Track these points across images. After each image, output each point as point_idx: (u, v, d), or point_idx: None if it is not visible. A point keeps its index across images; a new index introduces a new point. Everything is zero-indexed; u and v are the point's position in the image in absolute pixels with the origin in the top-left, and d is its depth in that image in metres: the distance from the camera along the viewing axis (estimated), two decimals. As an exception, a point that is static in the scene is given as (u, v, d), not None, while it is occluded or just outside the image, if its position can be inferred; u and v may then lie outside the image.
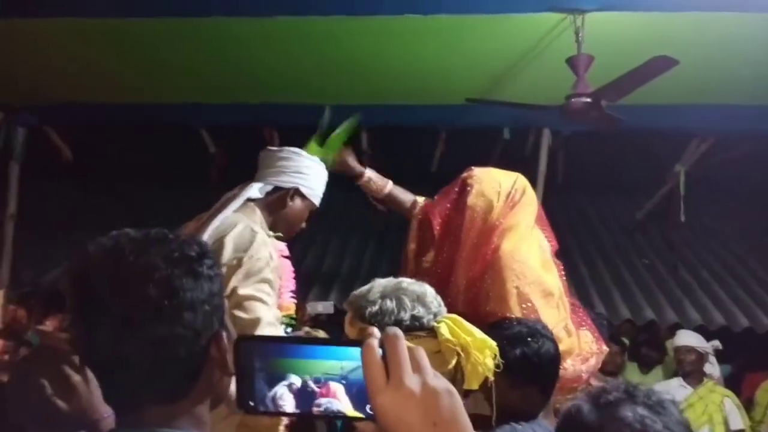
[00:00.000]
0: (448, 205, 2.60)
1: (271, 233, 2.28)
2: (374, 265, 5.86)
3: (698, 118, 5.07)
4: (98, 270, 0.92)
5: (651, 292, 5.65)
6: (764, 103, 4.68)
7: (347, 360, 0.70)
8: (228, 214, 2.21)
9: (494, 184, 2.52)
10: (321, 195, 2.40)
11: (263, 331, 1.91)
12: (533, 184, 5.51)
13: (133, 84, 4.87)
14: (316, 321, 4.47)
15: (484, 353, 1.47)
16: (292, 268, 2.36)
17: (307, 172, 2.34)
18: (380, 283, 1.53)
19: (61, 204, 6.35)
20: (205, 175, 6.07)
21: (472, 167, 2.64)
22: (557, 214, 6.73)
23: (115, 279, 0.91)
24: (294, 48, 4.31)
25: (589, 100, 3.80)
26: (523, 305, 2.29)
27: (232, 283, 1.95)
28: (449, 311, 1.95)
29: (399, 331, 0.68)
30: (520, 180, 2.59)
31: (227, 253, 2.03)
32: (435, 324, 1.44)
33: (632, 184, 6.51)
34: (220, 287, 0.98)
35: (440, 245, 2.57)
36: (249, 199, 2.29)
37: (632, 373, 5.27)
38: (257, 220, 2.26)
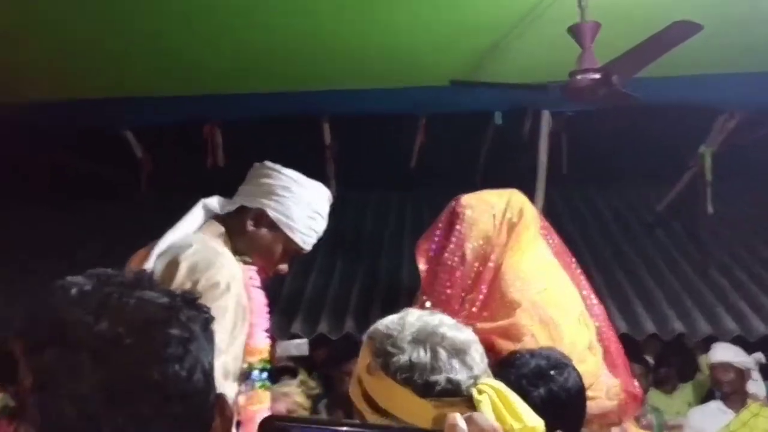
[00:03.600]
0: (433, 245, 2.79)
1: (238, 258, 2.28)
2: (346, 284, 5.77)
3: (725, 90, 5.14)
4: (75, 325, 0.86)
5: (678, 299, 5.63)
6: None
7: None
8: (187, 230, 2.22)
9: (487, 208, 2.71)
10: (306, 231, 2.36)
11: None
12: (532, 177, 5.73)
13: (36, 77, 4.76)
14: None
15: None
16: (265, 301, 2.35)
17: (284, 195, 2.32)
18: (412, 322, 1.44)
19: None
20: (134, 184, 6.04)
21: (460, 195, 2.79)
22: (562, 210, 6.82)
23: (100, 337, 0.86)
24: (236, 25, 4.25)
25: (597, 76, 3.82)
26: (536, 314, 2.40)
27: None
28: None
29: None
30: (515, 198, 2.76)
31: (180, 276, 2.03)
32: (475, 394, 1.37)
33: (650, 171, 6.50)
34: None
35: (430, 288, 2.74)
36: (216, 217, 2.32)
37: (656, 397, 5.31)
38: (221, 241, 2.27)
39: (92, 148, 5.95)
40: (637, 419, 4.84)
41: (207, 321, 0.97)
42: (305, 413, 2.80)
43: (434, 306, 2.63)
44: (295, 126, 5.58)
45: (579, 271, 2.87)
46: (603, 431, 2.46)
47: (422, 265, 2.82)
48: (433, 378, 1.35)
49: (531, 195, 5.50)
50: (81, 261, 5.31)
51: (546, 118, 5.61)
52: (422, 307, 2.71)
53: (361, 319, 5.21)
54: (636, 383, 2.70)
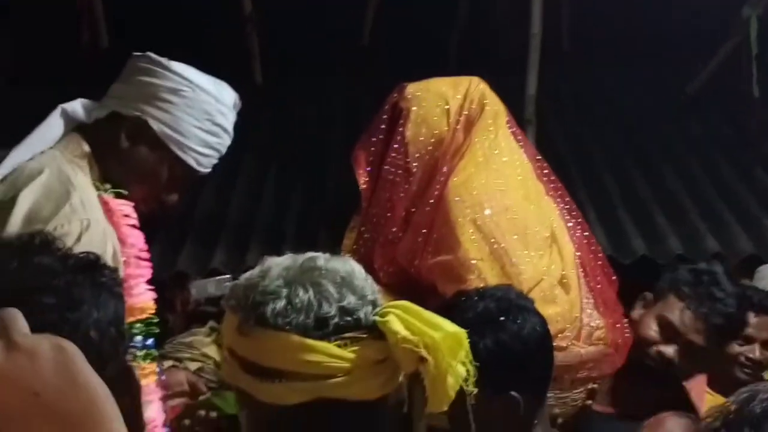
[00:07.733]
0: (373, 148, 2.92)
1: (108, 187, 2.28)
2: (281, 202, 5.72)
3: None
4: None
5: (713, 209, 5.65)
6: None
7: None
8: (39, 146, 2.22)
9: (438, 101, 2.82)
10: (202, 149, 2.36)
11: None
12: (524, 55, 5.61)
13: None
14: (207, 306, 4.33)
15: (457, 355, 1.47)
16: (143, 245, 2.34)
17: (172, 100, 2.29)
18: (279, 264, 1.50)
19: None
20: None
21: (404, 84, 2.91)
22: (563, 97, 6.90)
23: None
24: None
25: None
26: (486, 245, 2.52)
27: None
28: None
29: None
30: (475, 87, 2.88)
31: (14, 224, 2.04)
32: (378, 318, 1.45)
33: (678, 42, 6.48)
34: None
35: (366, 211, 2.89)
36: (80, 128, 2.31)
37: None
38: (83, 163, 2.26)
39: None
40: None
41: (102, 285, 1.32)
42: (214, 370, 2.87)
43: (371, 233, 2.90)
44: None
45: (553, 179, 3.02)
46: (579, 388, 2.56)
47: (361, 179, 2.94)
48: (323, 312, 1.43)
49: (522, 78, 5.66)
50: None
51: (536, -26, 5.56)
52: (359, 235, 2.96)
53: (303, 247, 5.02)
54: (627, 328, 2.74)
